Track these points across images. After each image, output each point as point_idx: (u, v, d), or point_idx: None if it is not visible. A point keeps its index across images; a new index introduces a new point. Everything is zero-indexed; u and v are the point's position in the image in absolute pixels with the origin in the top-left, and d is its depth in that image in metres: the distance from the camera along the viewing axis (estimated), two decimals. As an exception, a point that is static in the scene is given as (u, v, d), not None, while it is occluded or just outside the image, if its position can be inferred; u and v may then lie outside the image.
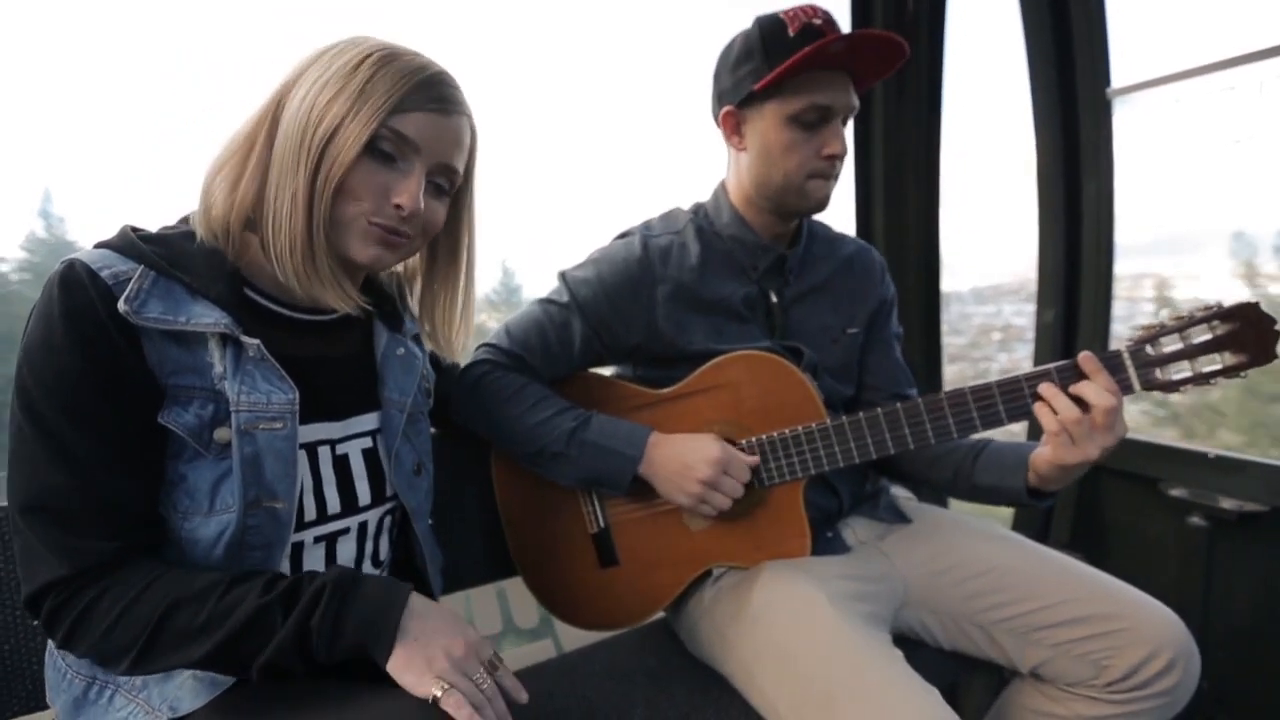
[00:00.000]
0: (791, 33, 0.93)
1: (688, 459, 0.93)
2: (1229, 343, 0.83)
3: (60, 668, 0.70)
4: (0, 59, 1.29)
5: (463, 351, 0.85)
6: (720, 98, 1.02)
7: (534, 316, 1.04)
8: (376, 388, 0.79)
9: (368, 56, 0.66)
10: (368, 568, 0.79)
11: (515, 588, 1.18)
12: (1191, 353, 0.84)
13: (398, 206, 0.68)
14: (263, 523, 0.66)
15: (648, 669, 1.04)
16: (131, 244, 0.65)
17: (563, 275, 1.05)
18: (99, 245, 0.65)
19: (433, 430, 1.11)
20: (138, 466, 0.63)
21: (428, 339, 0.84)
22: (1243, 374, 0.83)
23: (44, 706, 0.79)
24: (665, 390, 1.03)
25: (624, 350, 1.04)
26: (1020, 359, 2.36)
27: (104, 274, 0.61)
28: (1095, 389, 0.83)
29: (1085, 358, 0.85)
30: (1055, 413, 0.84)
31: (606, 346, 1.03)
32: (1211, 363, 0.84)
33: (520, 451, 1.01)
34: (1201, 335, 0.84)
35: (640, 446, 0.95)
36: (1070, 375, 0.86)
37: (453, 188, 0.74)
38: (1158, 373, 0.85)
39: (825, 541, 1.04)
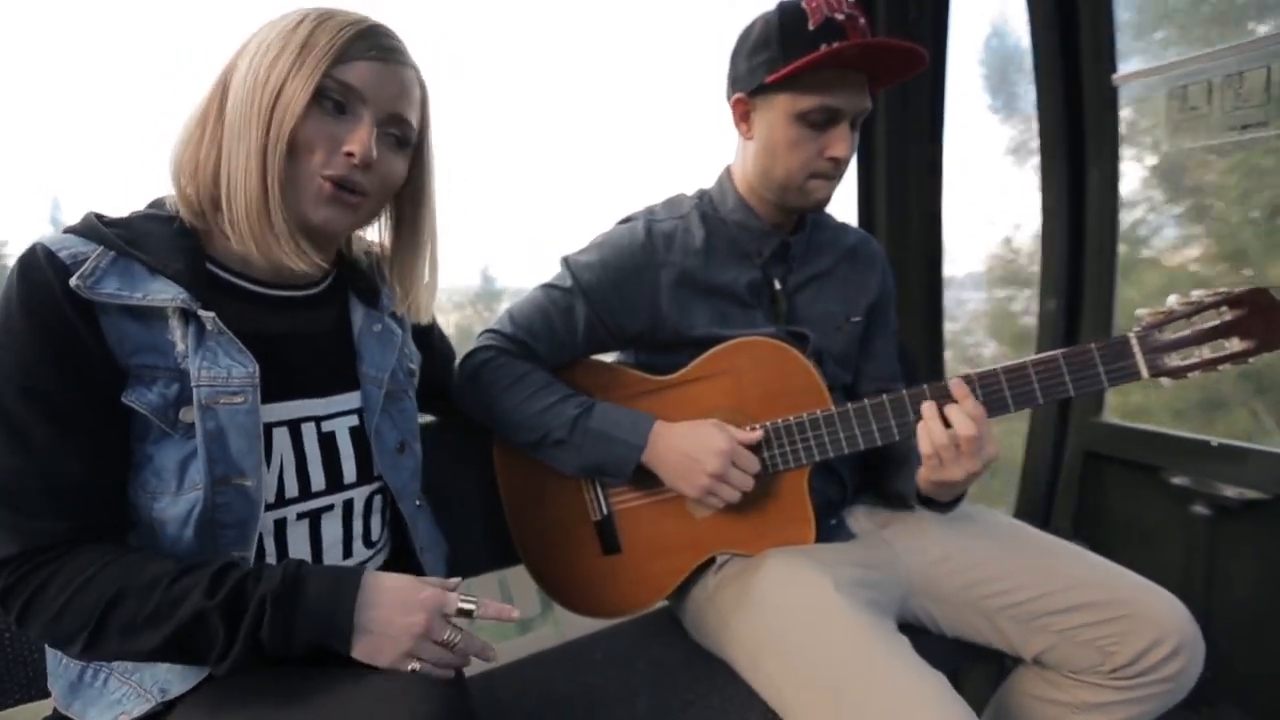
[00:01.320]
0: (812, 25, 0.89)
1: (693, 451, 0.92)
2: (1237, 328, 0.82)
3: (57, 653, 0.70)
4: (8, 72, 1.29)
5: (429, 309, 0.85)
6: (734, 83, 1.00)
7: (537, 302, 1.03)
8: (355, 364, 0.79)
9: (306, 15, 0.67)
10: (359, 549, 0.79)
11: (517, 575, 1.18)
12: (1199, 338, 0.83)
13: (349, 154, 0.68)
14: (232, 500, 0.66)
15: (651, 657, 1.04)
16: (93, 227, 0.66)
17: (566, 260, 1.04)
18: (65, 230, 0.66)
19: (432, 418, 1.12)
20: (95, 448, 0.63)
21: (401, 303, 0.83)
22: (1251, 359, 0.83)
23: (45, 694, 0.78)
24: (669, 376, 1.02)
25: (627, 335, 1.03)
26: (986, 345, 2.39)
27: (61, 254, 0.62)
28: (960, 415, 0.84)
29: (954, 383, 0.87)
30: (928, 435, 0.85)
31: (610, 332, 1.02)
32: (1219, 348, 0.83)
33: (523, 439, 1.00)
34: (1209, 321, 0.83)
35: (644, 435, 0.95)
36: (943, 397, 0.87)
37: (408, 142, 0.74)
38: (1165, 359, 0.84)
39: (829, 529, 1.04)
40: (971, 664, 1.15)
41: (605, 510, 1.05)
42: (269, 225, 0.67)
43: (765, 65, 0.93)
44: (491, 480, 1.11)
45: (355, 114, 0.68)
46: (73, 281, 0.60)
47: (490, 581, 1.28)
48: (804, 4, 0.91)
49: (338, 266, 0.82)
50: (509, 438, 1.03)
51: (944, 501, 0.96)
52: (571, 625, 1.20)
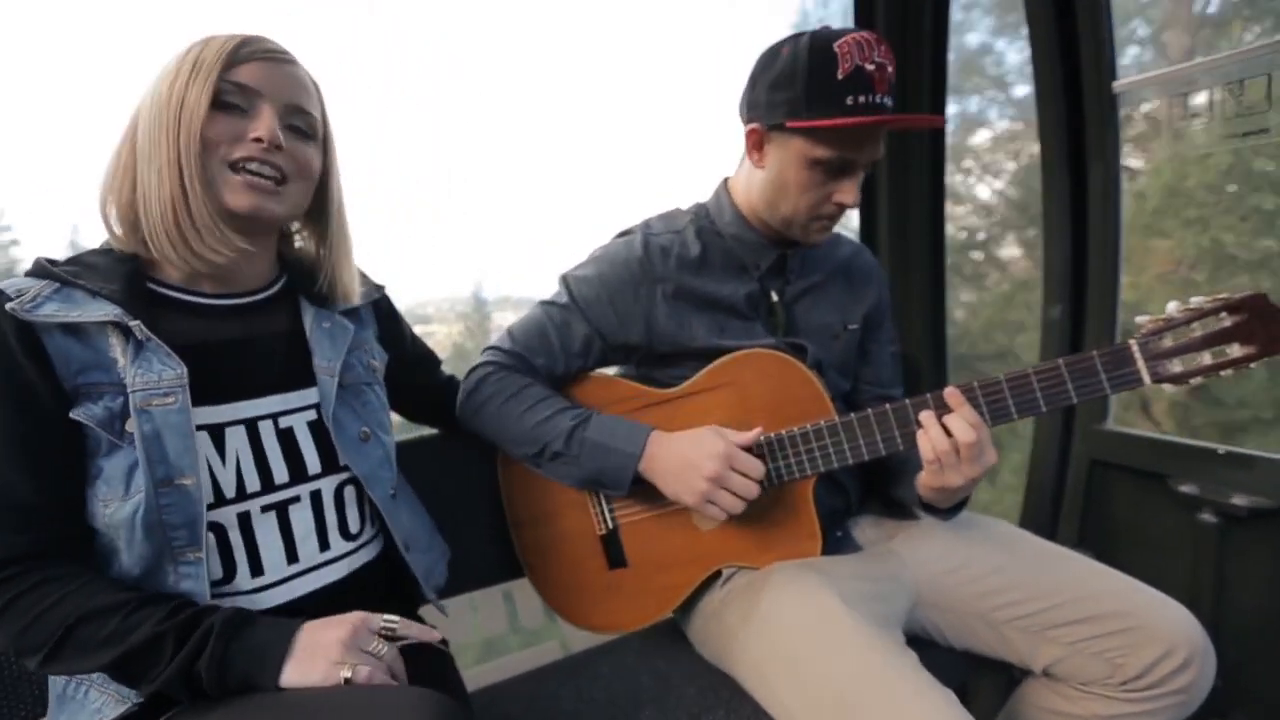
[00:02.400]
0: (841, 74, 0.87)
1: (690, 455, 0.92)
2: (1238, 334, 0.82)
3: None
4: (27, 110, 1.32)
5: (353, 291, 0.89)
6: (750, 109, 0.97)
7: (536, 318, 1.04)
8: (311, 362, 0.83)
9: (194, 42, 0.73)
10: (336, 540, 0.81)
11: (522, 589, 1.18)
12: (1200, 344, 0.83)
13: (257, 139, 0.72)
14: (175, 501, 0.68)
15: (656, 671, 1.03)
16: (41, 268, 0.71)
17: (563, 277, 1.05)
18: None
19: (435, 431, 1.13)
20: (46, 469, 0.67)
21: (330, 289, 0.87)
22: (1252, 365, 0.82)
23: (45, 711, 0.79)
24: (672, 389, 1.02)
25: (626, 349, 1.03)
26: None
27: (7, 287, 0.67)
28: (960, 423, 0.84)
29: (949, 393, 0.87)
30: (930, 441, 0.85)
31: (608, 346, 1.02)
32: (1220, 354, 0.83)
33: (523, 452, 1.01)
34: (1210, 327, 0.83)
35: (640, 444, 0.95)
36: (944, 406, 0.88)
37: (314, 133, 0.79)
38: (1167, 365, 0.84)
39: (835, 541, 1.03)
40: (980, 676, 1.14)
41: (611, 524, 1.05)
42: (189, 220, 0.71)
43: (786, 106, 0.91)
44: (496, 494, 1.11)
45: (255, 108, 0.73)
46: (9, 306, 0.65)
47: (495, 595, 1.28)
48: (836, 46, 0.87)
49: (285, 271, 0.86)
50: (510, 451, 1.03)
51: (945, 508, 0.95)
52: (575, 639, 1.20)
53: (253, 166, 0.73)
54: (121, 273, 0.72)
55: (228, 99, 0.72)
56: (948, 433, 0.85)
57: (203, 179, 0.71)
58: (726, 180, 1.08)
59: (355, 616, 0.67)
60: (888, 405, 0.92)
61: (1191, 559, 1.31)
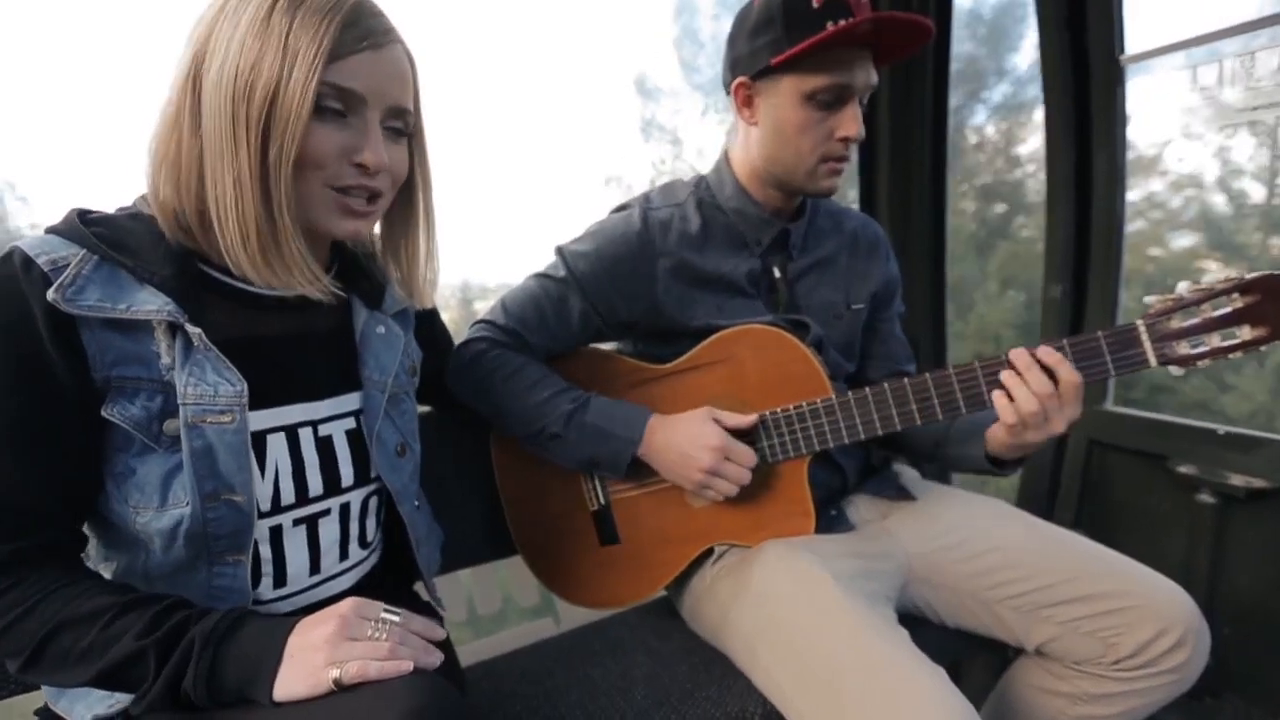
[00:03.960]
0: (816, 3, 0.87)
1: (686, 447, 0.91)
2: (1249, 316, 0.80)
3: None
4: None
5: (432, 294, 0.80)
6: (734, 66, 0.97)
7: (530, 292, 1.01)
8: (357, 367, 0.76)
9: (275, 2, 0.58)
10: (354, 550, 0.78)
11: (515, 566, 1.17)
12: (1209, 326, 0.81)
13: (361, 166, 0.64)
14: (224, 514, 0.63)
15: (648, 647, 1.03)
16: (75, 228, 0.61)
17: (560, 250, 1.02)
18: (48, 230, 0.62)
19: (427, 409, 1.11)
20: (54, 470, 0.60)
21: (400, 285, 0.79)
22: (1262, 348, 0.80)
23: (37, 685, 0.78)
24: (667, 365, 1.01)
25: (623, 325, 1.01)
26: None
27: (40, 260, 0.57)
28: (1045, 379, 0.82)
29: (1016, 354, 0.84)
30: (1012, 401, 0.83)
31: (605, 322, 1.00)
32: (1230, 336, 0.81)
33: (518, 432, 0.99)
34: (1221, 308, 0.81)
35: (639, 430, 0.94)
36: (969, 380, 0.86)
37: (408, 129, 0.69)
38: (1174, 347, 0.82)
39: (829, 520, 1.03)
40: (973, 654, 1.15)
41: (603, 500, 1.04)
42: (278, 257, 0.62)
43: (769, 47, 0.90)
44: (488, 471, 1.10)
45: (359, 117, 0.63)
46: (50, 295, 0.56)
47: (488, 572, 1.27)
48: None
49: (337, 261, 0.77)
50: (505, 430, 1.02)
51: (1013, 461, 0.94)
52: (569, 616, 1.20)
53: (353, 191, 0.64)
54: (172, 255, 0.63)
55: (325, 104, 0.60)
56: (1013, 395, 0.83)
57: (292, 198, 0.61)
58: (726, 152, 1.06)
59: (345, 606, 0.60)
60: (886, 384, 0.90)
61: (1188, 539, 1.31)
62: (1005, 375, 0.84)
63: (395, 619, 0.60)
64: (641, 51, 2.29)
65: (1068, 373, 0.82)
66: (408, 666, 0.56)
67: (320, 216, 0.65)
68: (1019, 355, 0.84)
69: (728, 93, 1.00)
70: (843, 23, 0.85)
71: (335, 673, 0.54)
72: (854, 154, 1.02)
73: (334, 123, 0.62)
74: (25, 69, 1.32)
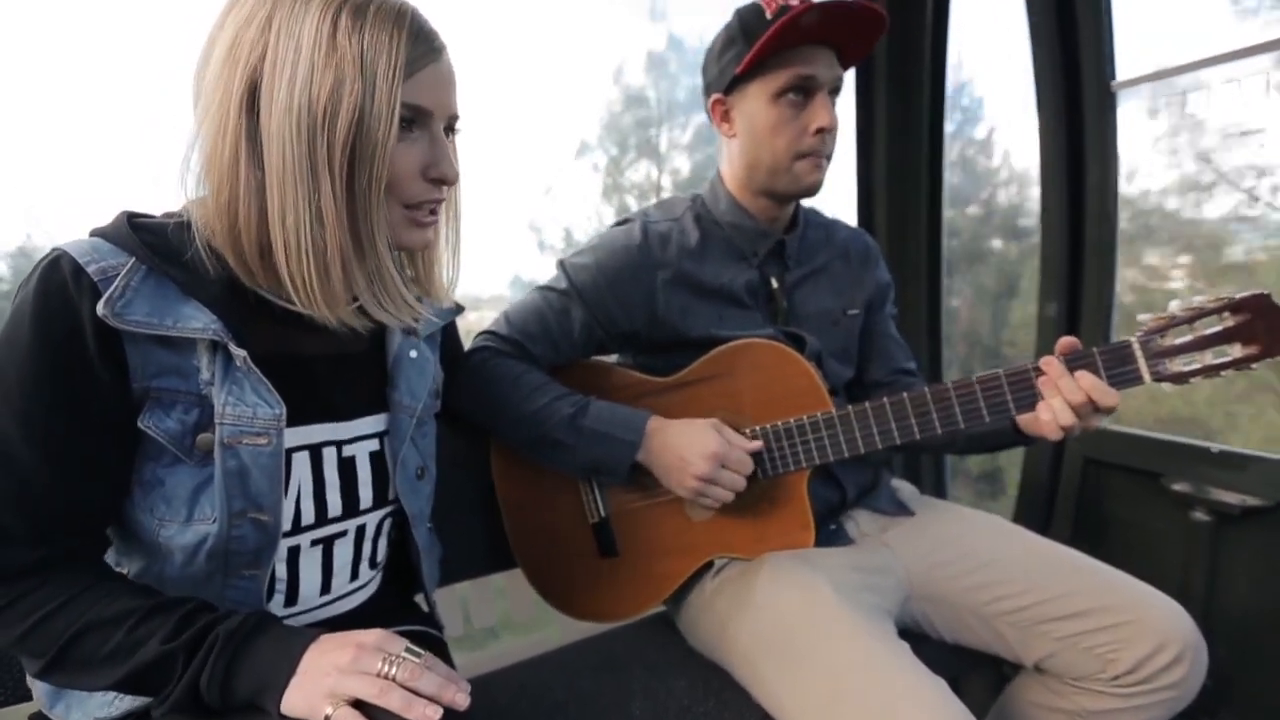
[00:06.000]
0: (769, 15, 0.93)
1: (684, 452, 0.91)
2: (1240, 334, 0.82)
3: None
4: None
5: (451, 295, 0.78)
6: (708, 88, 1.04)
7: (533, 304, 1.03)
8: (386, 389, 0.76)
9: (337, 16, 0.56)
10: (364, 570, 0.77)
11: (514, 579, 1.17)
12: (1202, 344, 0.83)
13: (437, 180, 0.64)
14: (247, 533, 0.63)
15: (647, 661, 1.03)
16: (125, 235, 0.60)
17: (562, 263, 1.04)
18: (94, 233, 0.61)
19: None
20: (84, 477, 0.60)
21: (416, 285, 0.76)
22: (1253, 366, 0.82)
23: (28, 696, 0.77)
24: (667, 378, 1.02)
25: (624, 337, 1.03)
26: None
27: (90, 268, 0.56)
28: (1094, 386, 0.82)
29: (1046, 361, 0.85)
30: (1054, 414, 0.83)
31: (607, 333, 1.01)
32: (1222, 354, 0.82)
33: (519, 439, 1.00)
34: (1212, 326, 0.82)
35: (639, 432, 0.94)
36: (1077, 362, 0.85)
37: (455, 131, 0.70)
38: (1167, 364, 0.83)
39: (828, 534, 1.03)
40: (972, 670, 1.14)
41: (603, 512, 1.04)
42: (362, 277, 0.61)
43: (734, 60, 0.97)
44: (488, 482, 1.10)
45: (425, 130, 0.63)
46: (100, 309, 0.55)
47: (486, 585, 1.27)
48: (760, 1, 0.95)
49: None
50: (505, 438, 1.02)
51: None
52: (567, 630, 1.19)
53: (425, 204, 0.64)
54: (220, 273, 0.62)
55: (401, 121, 0.60)
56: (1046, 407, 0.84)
57: (382, 225, 0.60)
58: (719, 171, 1.08)
59: (369, 637, 0.57)
60: (886, 399, 0.91)
61: (1184, 557, 1.31)
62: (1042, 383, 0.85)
63: (415, 660, 0.57)
64: (634, 64, 2.32)
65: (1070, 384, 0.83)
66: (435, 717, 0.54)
67: (397, 235, 0.65)
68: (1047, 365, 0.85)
69: (709, 116, 1.05)
70: (791, 11, 0.90)
71: (329, 710, 0.52)
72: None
73: (406, 140, 0.61)
74: (25, 70, 1.33)
